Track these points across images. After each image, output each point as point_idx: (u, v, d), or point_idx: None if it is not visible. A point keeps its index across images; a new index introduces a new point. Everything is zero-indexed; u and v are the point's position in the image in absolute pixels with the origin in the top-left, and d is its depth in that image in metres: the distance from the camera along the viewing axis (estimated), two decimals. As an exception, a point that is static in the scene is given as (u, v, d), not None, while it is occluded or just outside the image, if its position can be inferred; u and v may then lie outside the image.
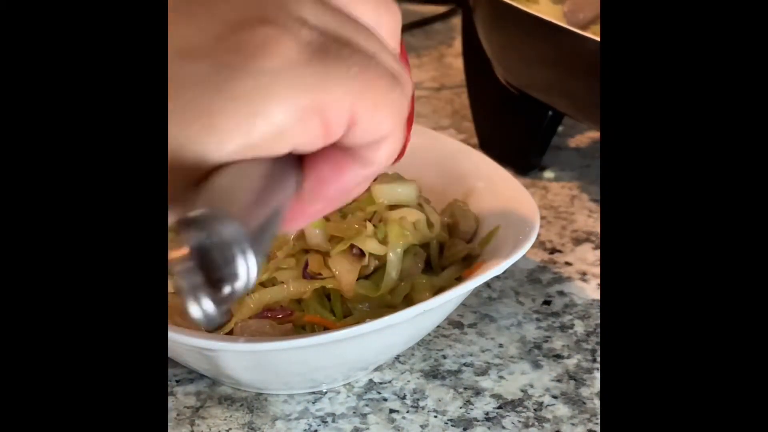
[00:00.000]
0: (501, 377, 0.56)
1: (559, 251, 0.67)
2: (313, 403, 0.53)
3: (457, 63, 0.92)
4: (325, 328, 0.51)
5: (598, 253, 0.67)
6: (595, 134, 0.83)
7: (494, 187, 0.60)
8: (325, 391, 0.54)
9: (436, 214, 0.58)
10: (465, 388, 0.55)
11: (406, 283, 0.53)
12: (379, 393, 0.54)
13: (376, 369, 0.56)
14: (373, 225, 0.54)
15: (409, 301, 0.53)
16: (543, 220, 0.70)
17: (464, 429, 0.52)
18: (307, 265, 0.53)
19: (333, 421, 0.52)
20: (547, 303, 0.62)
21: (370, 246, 0.52)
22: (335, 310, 0.53)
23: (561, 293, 0.63)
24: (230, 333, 0.51)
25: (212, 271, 0.26)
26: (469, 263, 0.57)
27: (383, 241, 0.53)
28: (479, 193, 0.61)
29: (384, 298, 0.53)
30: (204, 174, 0.29)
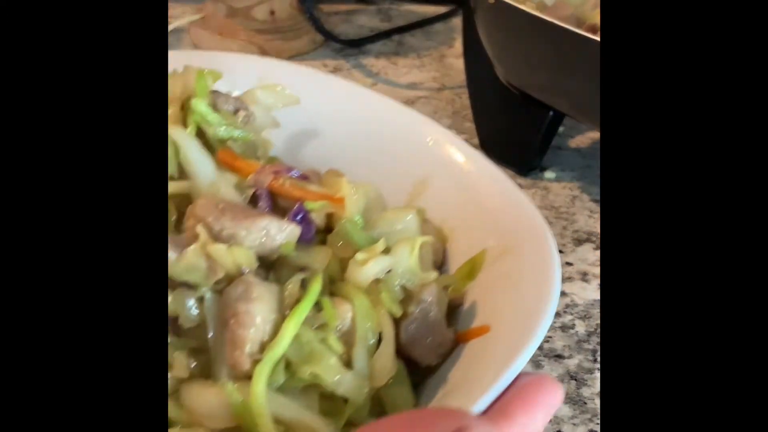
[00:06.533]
0: (502, 377, 0.55)
1: (560, 251, 0.67)
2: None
3: (458, 63, 0.92)
4: None
5: (598, 253, 0.67)
6: (595, 135, 0.83)
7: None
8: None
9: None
10: (466, 389, 0.55)
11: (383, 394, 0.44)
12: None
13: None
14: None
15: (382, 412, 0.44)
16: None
17: (465, 429, 0.52)
18: None
19: None
20: (547, 303, 0.62)
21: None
22: None
23: (562, 293, 0.63)
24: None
25: None
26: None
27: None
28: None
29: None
30: None
